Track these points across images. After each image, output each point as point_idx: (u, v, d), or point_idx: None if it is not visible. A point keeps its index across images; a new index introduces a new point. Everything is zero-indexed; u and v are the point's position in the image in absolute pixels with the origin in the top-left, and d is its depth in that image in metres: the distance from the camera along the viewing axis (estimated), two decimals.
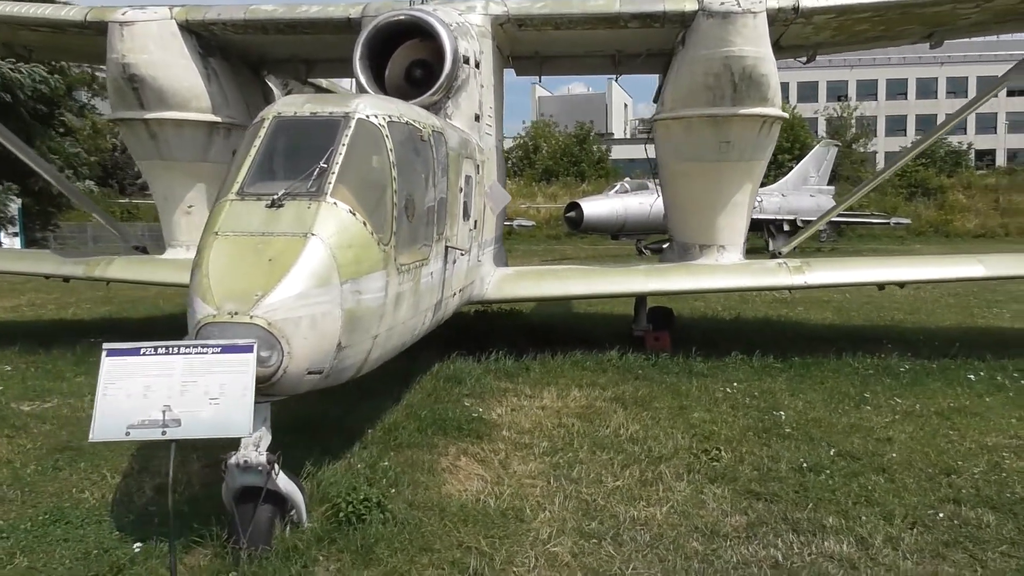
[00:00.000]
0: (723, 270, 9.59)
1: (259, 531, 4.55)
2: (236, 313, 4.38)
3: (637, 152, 77.57)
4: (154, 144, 9.82)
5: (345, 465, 5.98)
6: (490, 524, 5.15)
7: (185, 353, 3.81)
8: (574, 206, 30.28)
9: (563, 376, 8.99)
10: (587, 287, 9.53)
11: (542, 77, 12.86)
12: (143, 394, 3.75)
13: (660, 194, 29.68)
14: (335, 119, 5.55)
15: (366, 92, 8.26)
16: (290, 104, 5.79)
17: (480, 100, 8.95)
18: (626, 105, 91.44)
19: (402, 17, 8.31)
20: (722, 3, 8.79)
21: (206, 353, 3.82)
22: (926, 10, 9.27)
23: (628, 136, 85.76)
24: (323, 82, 14.05)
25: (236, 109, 10.43)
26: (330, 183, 5.10)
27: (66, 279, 11.37)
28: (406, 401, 7.86)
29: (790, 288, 9.66)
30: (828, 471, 5.94)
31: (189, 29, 9.75)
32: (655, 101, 16.78)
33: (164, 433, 3.78)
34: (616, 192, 31.51)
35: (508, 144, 63.72)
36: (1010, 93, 76.96)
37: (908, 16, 9.52)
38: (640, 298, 10.30)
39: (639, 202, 30.86)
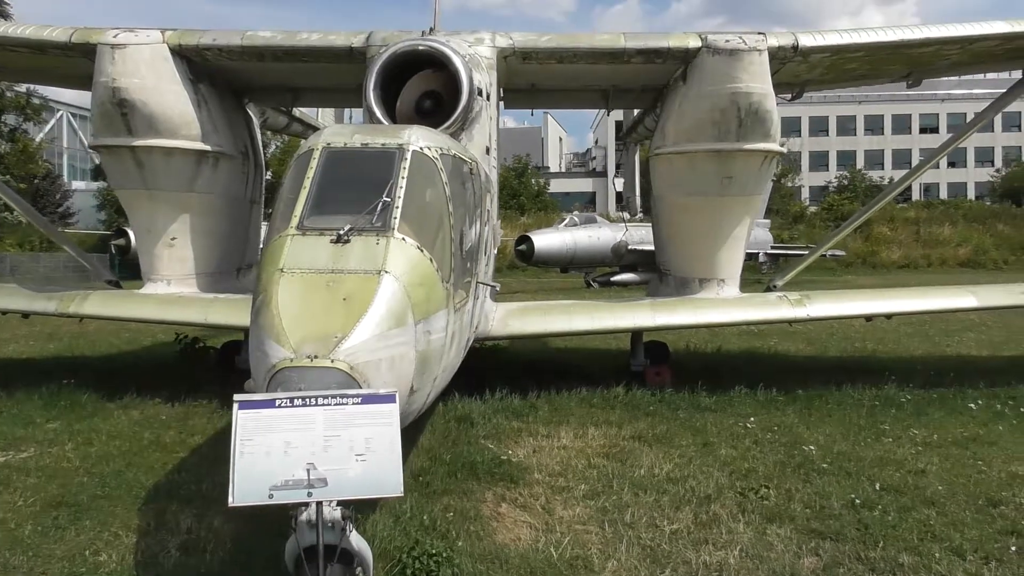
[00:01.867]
0: (727, 304, 9.61)
1: None
2: (316, 356, 4.07)
3: (572, 185, 78.95)
4: (139, 173, 9.32)
5: (391, 515, 5.65)
6: None
7: (324, 404, 3.47)
8: (525, 239, 30.33)
9: (572, 414, 8.81)
10: (592, 322, 9.39)
11: (533, 111, 12.99)
12: (284, 451, 3.38)
13: (614, 227, 29.95)
14: (389, 151, 5.33)
15: (380, 122, 8.02)
16: (338, 134, 5.53)
17: (489, 133, 8.82)
18: (560, 139, 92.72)
19: (421, 47, 8.14)
20: (727, 40, 8.90)
21: (346, 404, 3.49)
22: (913, 51, 9.60)
23: (563, 169, 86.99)
24: (297, 111, 13.75)
25: (224, 137, 10.03)
26: (396, 218, 4.87)
27: (25, 315, 10.61)
28: (424, 444, 7.54)
29: (792, 321, 9.73)
30: (880, 506, 5.90)
31: (181, 54, 9.35)
32: (620, 138, 16.99)
33: (310, 495, 3.42)
34: (566, 225, 31.72)
35: None
36: (922, 130, 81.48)
37: (895, 56, 9.84)
38: (637, 333, 10.22)
39: (588, 235, 31.27)
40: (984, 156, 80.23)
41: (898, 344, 14.28)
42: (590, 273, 33.62)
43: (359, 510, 5.50)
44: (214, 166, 9.83)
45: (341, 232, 4.69)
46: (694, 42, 9.13)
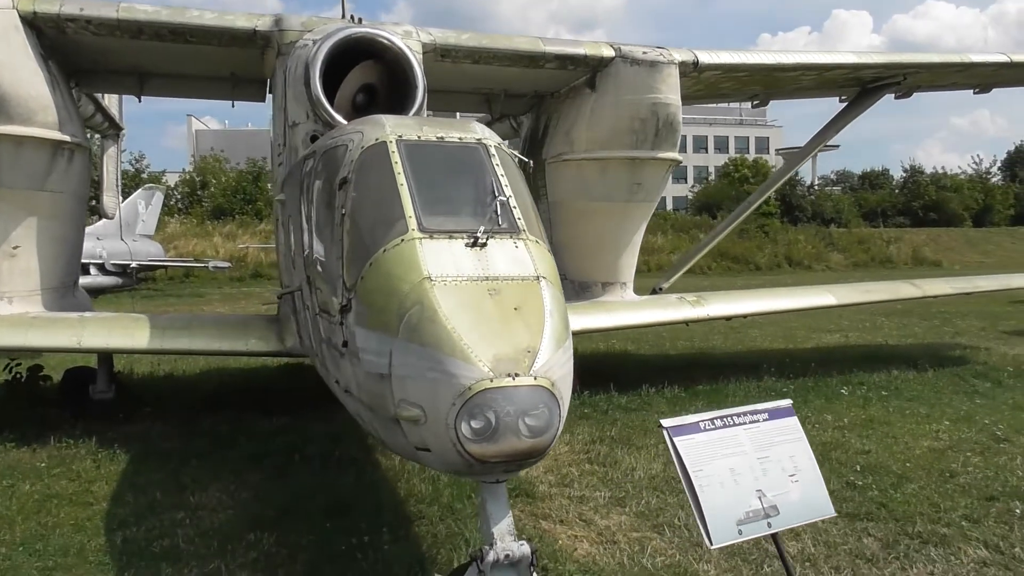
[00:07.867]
0: (637, 306, 9.92)
1: None
2: (516, 375, 3.59)
3: None
4: None
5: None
6: None
7: (741, 424, 2.98)
8: None
9: None
10: None
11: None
12: (734, 480, 2.85)
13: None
14: (470, 145, 4.83)
15: (329, 115, 7.19)
16: (403, 126, 4.87)
17: None
18: None
19: (379, 36, 7.43)
20: (644, 52, 9.21)
21: (759, 421, 3.04)
22: (780, 74, 10.62)
23: None
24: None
25: (77, 126, 8.37)
26: (519, 218, 4.43)
27: None
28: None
29: (693, 320, 10.24)
30: (877, 488, 6.47)
31: (34, 24, 7.65)
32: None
33: (769, 525, 2.92)
34: None
35: (173, 179, 58.60)
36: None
37: (764, 78, 10.82)
38: None
39: None
40: (678, 173, 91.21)
41: (710, 340, 15.62)
42: None
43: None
44: (69, 160, 8.16)
45: (478, 235, 4.16)
46: (607, 51, 9.32)
